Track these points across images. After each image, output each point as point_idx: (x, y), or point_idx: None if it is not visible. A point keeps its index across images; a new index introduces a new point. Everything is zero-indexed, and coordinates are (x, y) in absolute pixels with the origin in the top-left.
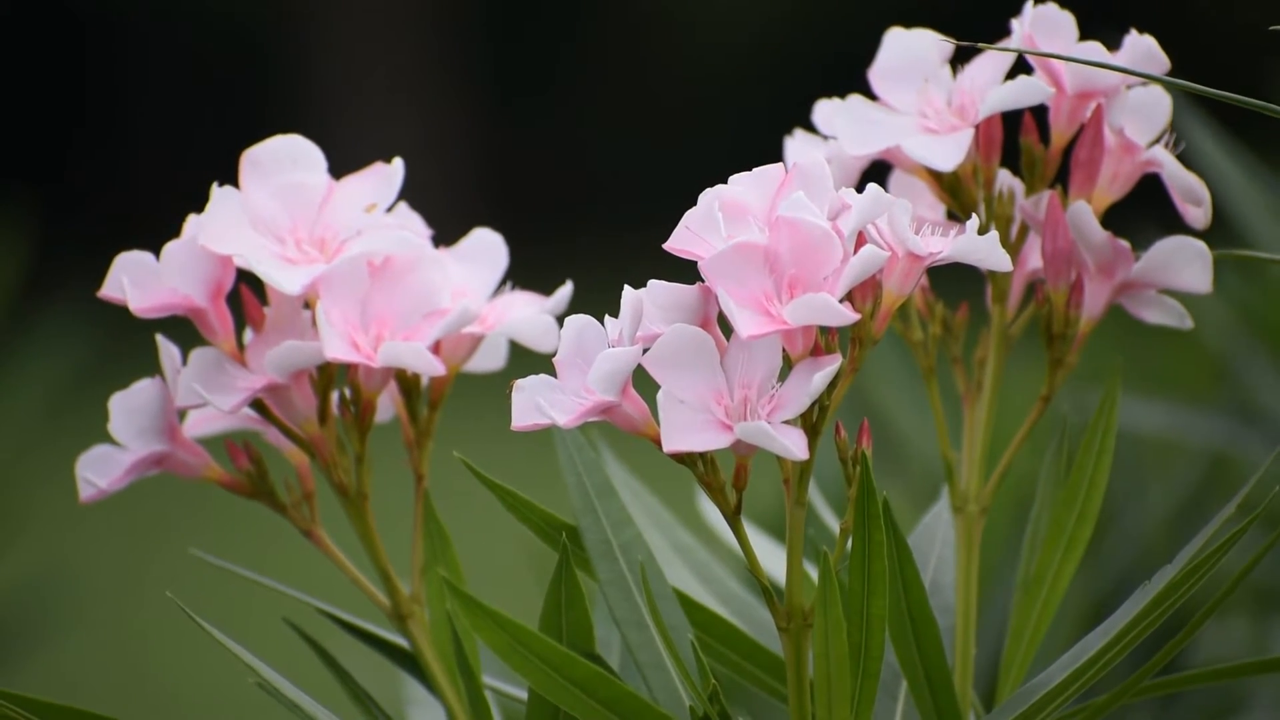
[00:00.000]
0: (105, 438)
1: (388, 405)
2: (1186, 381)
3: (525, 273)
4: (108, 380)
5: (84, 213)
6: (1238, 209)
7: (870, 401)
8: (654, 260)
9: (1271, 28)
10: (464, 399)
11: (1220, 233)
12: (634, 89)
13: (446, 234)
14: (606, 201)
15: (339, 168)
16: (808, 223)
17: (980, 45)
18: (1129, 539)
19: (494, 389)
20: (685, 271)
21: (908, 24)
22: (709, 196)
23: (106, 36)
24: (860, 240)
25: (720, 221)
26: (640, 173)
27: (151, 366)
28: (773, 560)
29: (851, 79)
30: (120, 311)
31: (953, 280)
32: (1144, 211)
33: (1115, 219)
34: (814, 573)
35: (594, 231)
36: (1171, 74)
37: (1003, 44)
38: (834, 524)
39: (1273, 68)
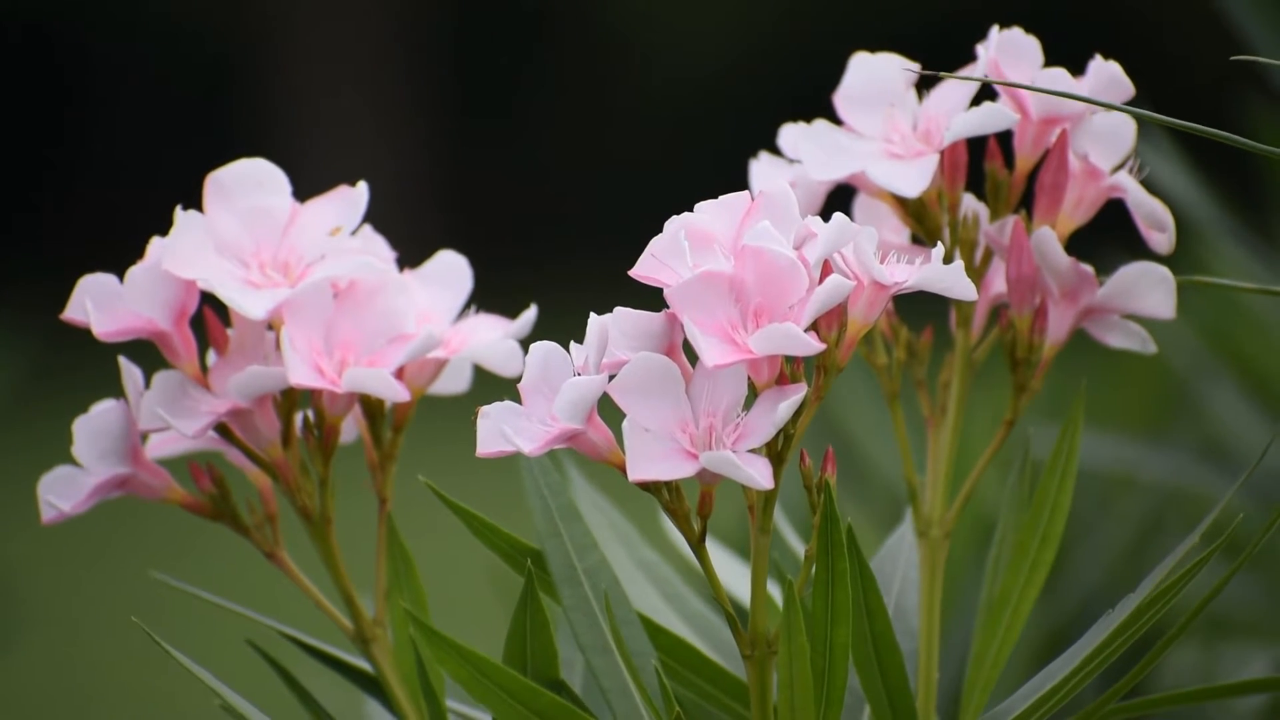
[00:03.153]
0: (49, 454)
1: (351, 427)
2: (1149, 411)
3: (489, 296)
4: (46, 400)
5: (49, 235)
6: (1204, 235)
7: (835, 424)
8: (618, 286)
9: (1232, 58)
10: (428, 422)
11: (1186, 258)
12: (598, 114)
13: (409, 257)
14: (570, 226)
15: (302, 190)
16: (774, 252)
17: (942, 74)
18: (1089, 568)
19: (458, 412)
20: (649, 297)
21: (875, 49)
22: (675, 224)
23: (74, 58)
24: (826, 269)
25: (686, 249)
26: (603, 198)
27: (95, 383)
28: (737, 579)
29: (820, 104)
30: (62, 333)
31: (917, 304)
32: (1108, 237)
33: (1079, 244)
34: (778, 596)
35: (557, 256)
36: (1138, 100)
37: (968, 69)
38: (799, 547)
39: (1235, 96)
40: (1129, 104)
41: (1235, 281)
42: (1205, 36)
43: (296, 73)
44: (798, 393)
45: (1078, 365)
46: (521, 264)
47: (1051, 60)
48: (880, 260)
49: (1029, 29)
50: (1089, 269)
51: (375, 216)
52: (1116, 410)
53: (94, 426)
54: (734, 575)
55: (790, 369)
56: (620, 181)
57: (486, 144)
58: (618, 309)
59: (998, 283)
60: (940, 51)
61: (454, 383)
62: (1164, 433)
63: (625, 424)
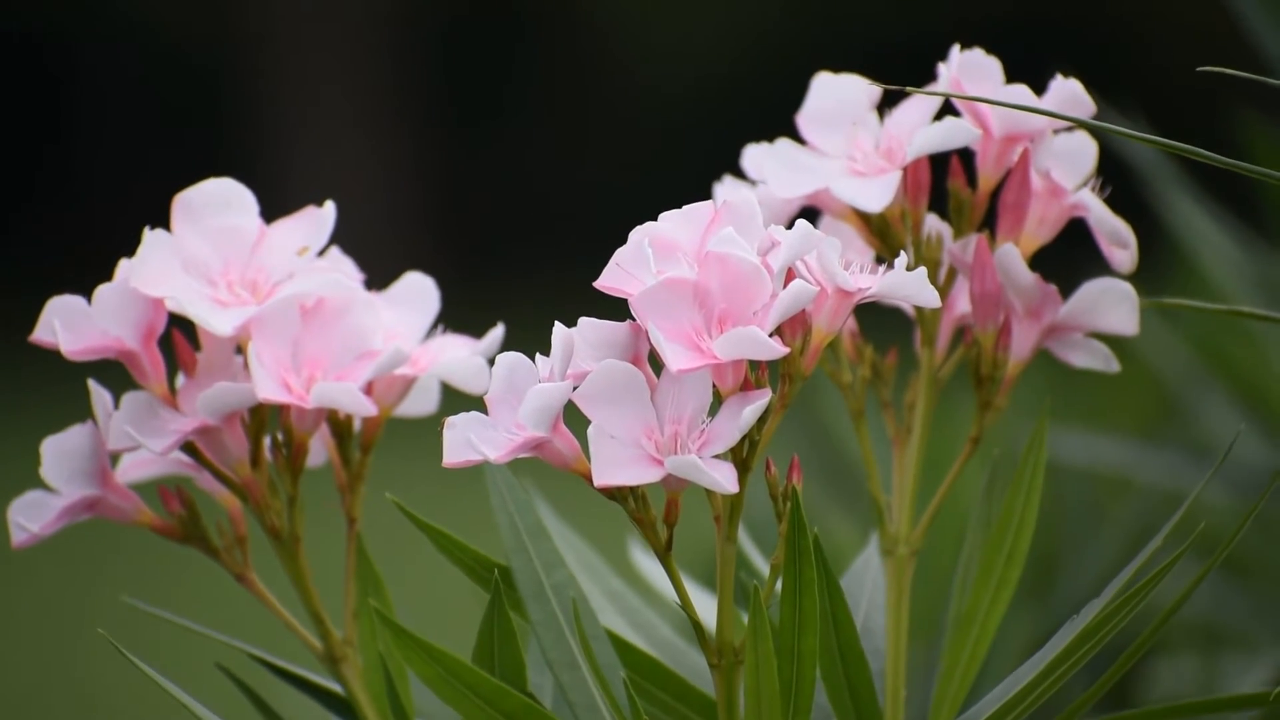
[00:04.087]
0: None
1: (320, 450)
2: (1141, 416)
3: (474, 309)
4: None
5: (32, 248)
6: (1191, 238)
7: (825, 435)
8: (602, 296)
9: (1199, 68)
10: (396, 444)
11: (1176, 263)
12: (585, 125)
13: (395, 270)
14: (557, 238)
15: (290, 202)
16: (737, 258)
17: (907, 89)
18: (1082, 575)
19: (426, 434)
20: (619, 313)
21: (842, 68)
22: (639, 234)
23: (58, 69)
24: (789, 276)
25: (650, 258)
26: (591, 209)
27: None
28: (704, 606)
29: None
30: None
31: (881, 324)
32: (1072, 254)
33: (1043, 262)
34: (745, 616)
35: (544, 267)
36: (1128, 103)
37: (929, 88)
38: (764, 567)
39: (1224, 110)
40: (1096, 118)
41: (1201, 303)
42: (1203, 43)
43: (282, 82)
44: (762, 398)
45: (1073, 370)
46: (507, 273)
47: (1034, 74)
48: (844, 270)
49: (1015, 43)
50: (1053, 287)
51: (362, 226)
52: (1112, 413)
53: (63, 448)
54: (700, 602)
55: (755, 376)
56: (608, 191)
57: (474, 152)
58: (583, 319)
59: (962, 302)
60: (923, 65)
61: (422, 404)
62: (1159, 436)
63: (590, 430)
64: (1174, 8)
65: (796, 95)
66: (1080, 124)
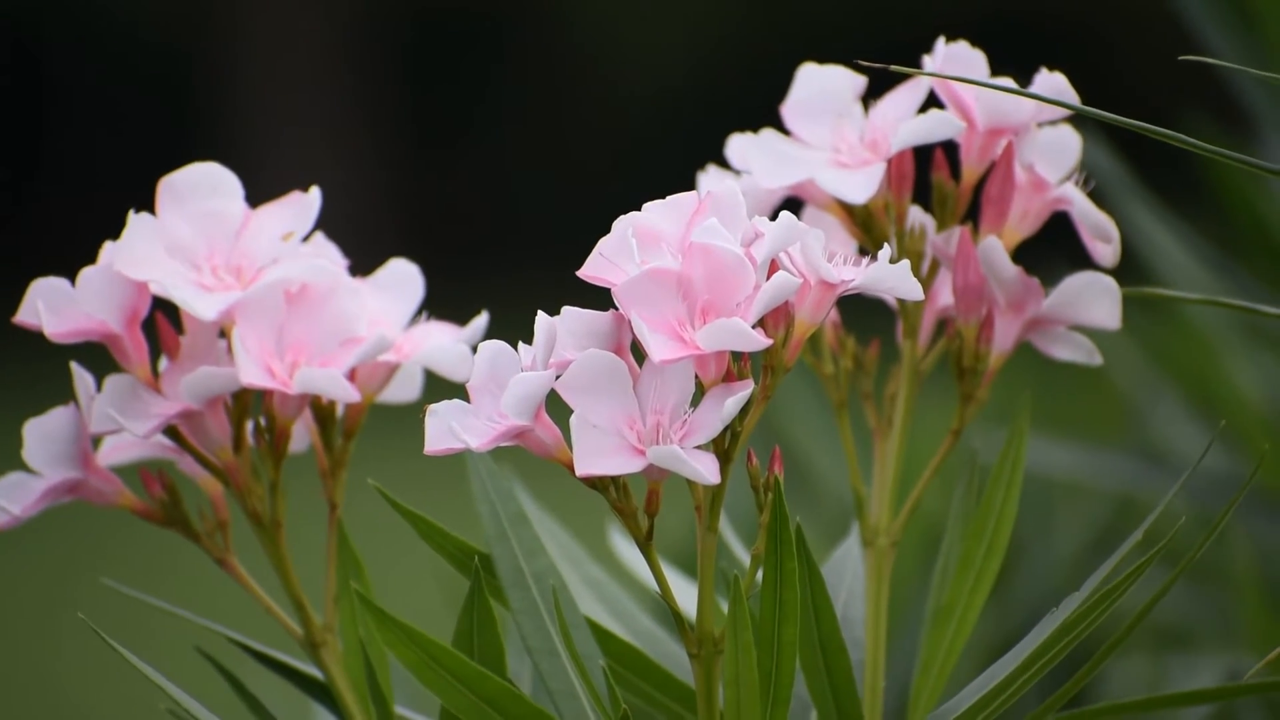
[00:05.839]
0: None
1: (303, 435)
2: (1095, 422)
3: (439, 310)
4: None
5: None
6: (1147, 249)
7: (781, 436)
8: (568, 300)
9: (1181, 57)
10: (379, 433)
11: (1130, 272)
12: (556, 128)
13: (362, 271)
14: (522, 241)
15: (256, 204)
16: (721, 248)
17: (892, 68)
18: (1036, 577)
19: (408, 423)
20: (601, 305)
21: (824, 62)
22: (623, 223)
23: (34, 70)
24: (773, 267)
25: (634, 248)
26: (556, 213)
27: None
28: (684, 594)
29: (769, 120)
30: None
31: (864, 316)
32: (1055, 249)
33: (1026, 256)
34: (725, 605)
35: (508, 270)
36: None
37: (915, 82)
38: (745, 557)
39: (1182, 111)
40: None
41: (1182, 293)
42: (1162, 64)
43: (255, 87)
44: (744, 389)
45: (1028, 373)
46: (477, 276)
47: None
48: (827, 261)
49: (979, 47)
50: (1035, 280)
51: (330, 231)
52: (1068, 418)
53: (45, 430)
54: (680, 591)
55: (738, 368)
56: (577, 194)
57: (443, 157)
58: (565, 308)
59: (944, 295)
60: (885, 76)
61: (405, 390)
62: (1116, 441)
63: (573, 420)
64: (1120, 14)
65: (767, 102)
66: (1062, 105)
